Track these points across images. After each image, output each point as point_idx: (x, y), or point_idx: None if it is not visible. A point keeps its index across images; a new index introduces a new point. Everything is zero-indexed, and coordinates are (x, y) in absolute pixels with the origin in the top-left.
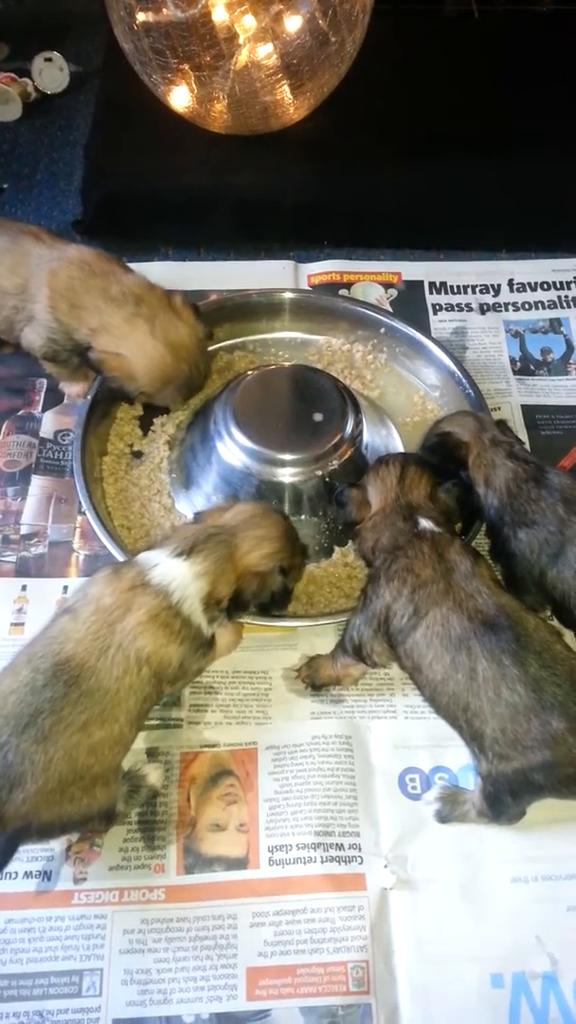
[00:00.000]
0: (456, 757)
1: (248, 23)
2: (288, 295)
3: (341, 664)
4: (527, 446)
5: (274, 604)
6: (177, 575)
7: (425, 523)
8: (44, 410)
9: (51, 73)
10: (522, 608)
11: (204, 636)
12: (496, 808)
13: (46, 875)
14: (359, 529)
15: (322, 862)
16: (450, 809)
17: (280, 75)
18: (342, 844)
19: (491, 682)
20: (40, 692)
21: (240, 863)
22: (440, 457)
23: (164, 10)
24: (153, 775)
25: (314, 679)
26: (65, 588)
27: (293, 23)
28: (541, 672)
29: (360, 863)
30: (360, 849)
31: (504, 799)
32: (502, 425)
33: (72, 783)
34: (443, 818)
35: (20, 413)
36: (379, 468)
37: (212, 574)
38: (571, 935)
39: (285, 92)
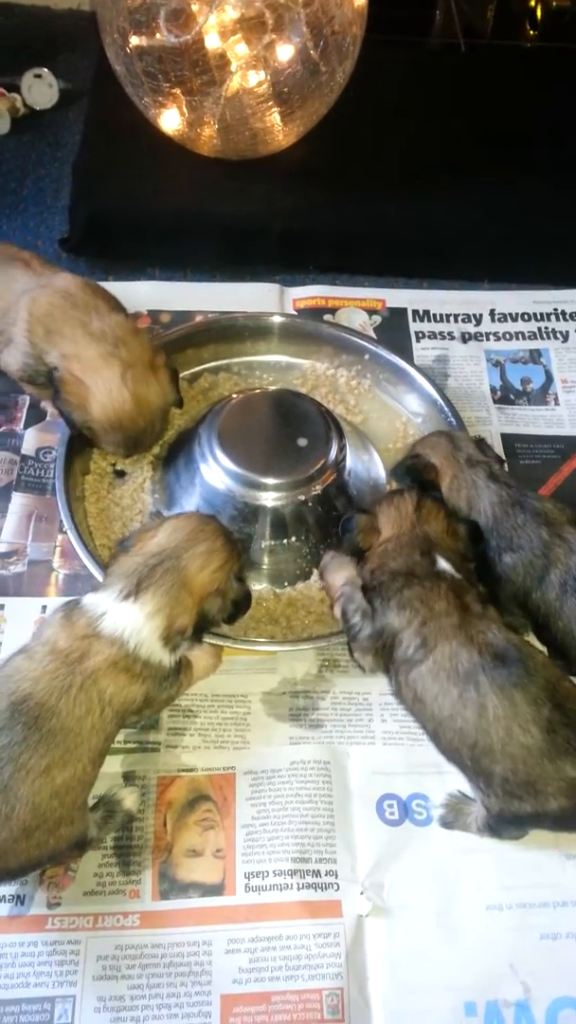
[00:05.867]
0: (434, 784)
1: (241, 51)
2: (274, 319)
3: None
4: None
5: (239, 612)
6: (129, 622)
7: (444, 564)
8: (26, 427)
9: (40, 89)
10: (528, 645)
11: (167, 668)
12: (496, 833)
13: (19, 899)
14: (367, 555)
15: (298, 889)
16: (454, 817)
17: (270, 102)
18: (319, 871)
19: (502, 720)
20: None
21: (216, 889)
22: (412, 480)
23: (157, 35)
24: (129, 799)
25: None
26: (44, 608)
27: (285, 52)
28: (554, 714)
29: (336, 890)
30: (337, 876)
31: (508, 828)
32: (481, 443)
33: (36, 829)
34: (446, 823)
35: (2, 430)
36: (394, 497)
37: (166, 608)
38: (544, 963)
39: (275, 119)
